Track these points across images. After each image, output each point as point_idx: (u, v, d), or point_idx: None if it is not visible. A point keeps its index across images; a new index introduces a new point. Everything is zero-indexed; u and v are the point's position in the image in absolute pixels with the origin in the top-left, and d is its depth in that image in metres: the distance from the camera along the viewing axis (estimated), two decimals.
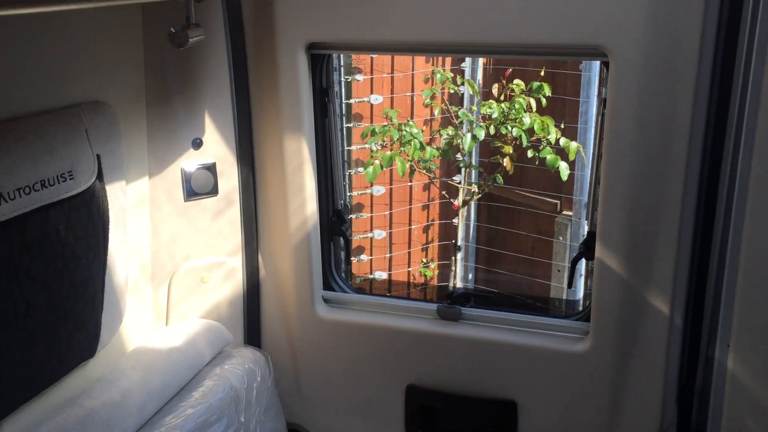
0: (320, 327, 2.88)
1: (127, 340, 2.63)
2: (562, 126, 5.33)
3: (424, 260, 6.62)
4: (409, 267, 6.65)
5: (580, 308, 5.64)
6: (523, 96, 5.25)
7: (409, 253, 6.63)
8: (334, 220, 2.93)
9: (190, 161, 2.72)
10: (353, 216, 6.25)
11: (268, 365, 2.85)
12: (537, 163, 5.30)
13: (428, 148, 5.30)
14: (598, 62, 5.11)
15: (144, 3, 2.41)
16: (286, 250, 2.85)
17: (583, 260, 2.74)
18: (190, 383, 2.57)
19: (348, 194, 6.12)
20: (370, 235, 6.40)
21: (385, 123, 5.58)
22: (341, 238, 2.99)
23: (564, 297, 5.81)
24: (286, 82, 2.64)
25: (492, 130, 5.30)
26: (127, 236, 2.47)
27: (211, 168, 2.76)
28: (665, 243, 2.40)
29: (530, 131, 5.20)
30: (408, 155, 5.36)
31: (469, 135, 5.26)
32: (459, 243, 6.26)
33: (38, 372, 2.12)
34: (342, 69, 5.63)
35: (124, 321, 2.53)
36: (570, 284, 2.76)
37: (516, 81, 5.34)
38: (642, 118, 2.31)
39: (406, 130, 5.26)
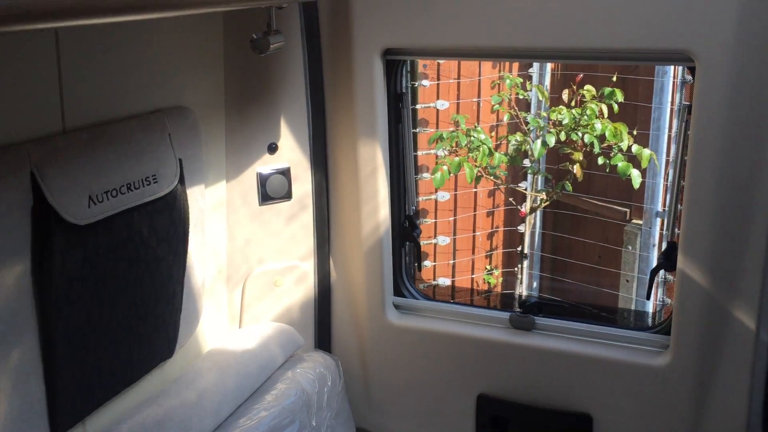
0: (391, 333, 2.87)
1: (203, 342, 2.68)
2: (634, 132, 5.20)
3: (488, 267, 6.55)
4: (472, 274, 6.59)
5: (651, 320, 5.49)
6: (595, 102, 5.14)
7: (472, 260, 6.57)
8: (406, 226, 2.92)
9: (266, 166, 2.75)
10: (418, 222, 6.23)
11: (339, 370, 2.86)
12: (608, 170, 5.18)
13: (497, 154, 5.24)
14: (671, 67, 4.98)
15: (225, 10, 2.45)
16: (357, 255, 2.86)
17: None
18: (262, 386, 2.59)
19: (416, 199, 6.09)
20: (434, 241, 6.37)
21: (452, 128, 5.54)
22: (412, 244, 2.99)
23: (633, 308, 5.67)
24: (361, 88, 2.65)
25: (563, 137, 5.21)
26: (206, 239, 2.52)
27: (286, 172, 2.79)
28: (752, 254, 2.31)
29: (601, 138, 5.09)
30: (476, 161, 5.31)
31: (539, 141, 5.18)
32: (525, 251, 6.17)
33: (120, 371, 2.18)
34: (409, 74, 5.63)
35: (200, 322, 2.58)
36: (648, 295, 2.68)
37: (587, 87, 5.23)
38: (730, 124, 2.22)
39: (474, 136, 5.22)
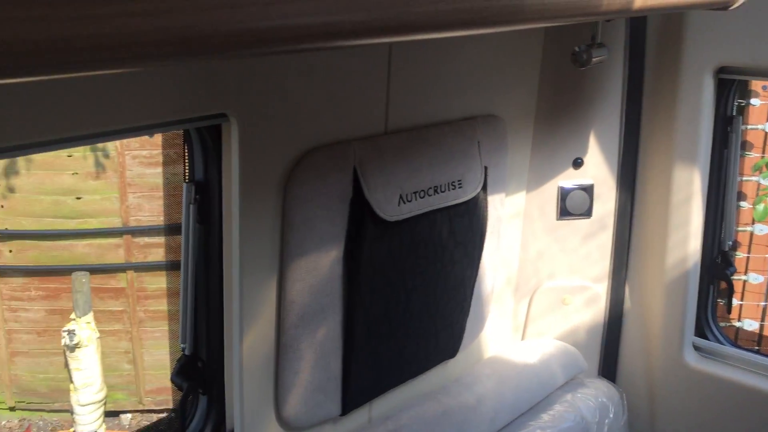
0: (687, 376, 2.62)
1: (485, 347, 2.70)
2: None
3: None
4: None
5: None
6: None
7: None
8: (719, 262, 2.64)
9: (568, 180, 2.68)
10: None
11: (623, 403, 2.69)
12: None
13: None
14: None
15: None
16: (657, 286, 2.65)
17: None
18: (540, 403, 2.54)
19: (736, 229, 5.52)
20: (743, 277, 5.72)
21: None
22: (723, 283, 2.69)
23: None
24: (685, 107, 2.45)
25: None
26: (499, 247, 2.53)
27: (588, 189, 2.69)
28: None
29: None
30: None
31: None
32: None
33: (407, 362, 2.28)
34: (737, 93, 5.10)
35: (484, 329, 2.61)
36: None
37: None
38: None
39: None
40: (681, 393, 2.65)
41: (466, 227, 2.29)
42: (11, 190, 6.31)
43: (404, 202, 2.05)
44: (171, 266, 6.43)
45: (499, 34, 2.35)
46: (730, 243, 2.65)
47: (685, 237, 2.54)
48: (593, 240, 2.74)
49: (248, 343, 1.90)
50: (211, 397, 2.05)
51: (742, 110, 5.34)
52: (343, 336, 2.04)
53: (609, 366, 2.82)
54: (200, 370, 2.03)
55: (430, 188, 2.13)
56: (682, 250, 2.55)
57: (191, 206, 1.89)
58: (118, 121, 1.52)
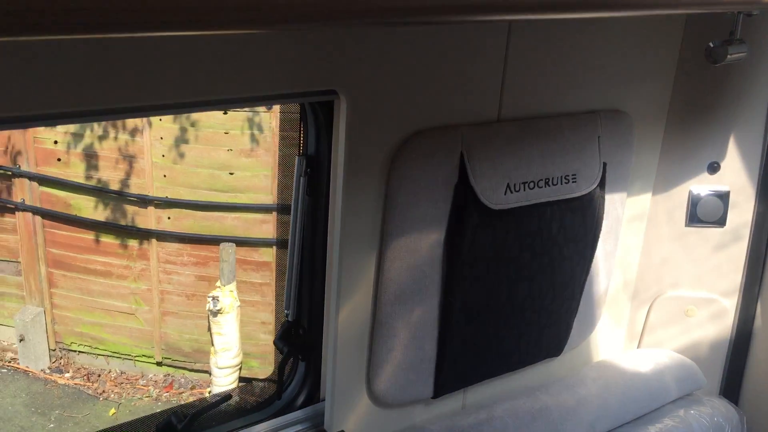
0: None
1: (595, 351, 2.61)
2: None
3: None
4: None
5: None
6: None
7: None
8: None
9: (701, 185, 2.52)
10: None
11: (742, 427, 2.50)
12: None
13: None
14: None
15: (690, 15, 2.30)
16: None
17: None
18: (648, 415, 2.42)
19: None
20: None
21: None
22: None
23: None
24: None
25: None
26: (617, 249, 2.43)
27: (724, 196, 2.52)
28: None
29: None
30: None
31: None
32: None
33: (506, 354, 2.26)
34: None
35: (595, 332, 2.52)
36: None
37: None
38: None
39: None
40: None
41: (578, 223, 2.23)
42: (177, 160, 6.83)
43: (511, 192, 2.03)
44: None
45: (632, 26, 2.25)
46: None
47: None
48: (725, 251, 2.56)
49: (345, 316, 1.97)
50: (309, 365, 2.14)
51: None
52: (439, 319, 2.06)
53: (731, 386, 2.63)
54: (301, 336, 2.13)
55: (541, 180, 2.09)
56: None
57: (302, 179, 1.98)
58: (237, 90, 1.63)
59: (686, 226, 2.56)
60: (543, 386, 2.37)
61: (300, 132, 2.00)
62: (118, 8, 0.75)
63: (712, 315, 2.61)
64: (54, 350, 7.55)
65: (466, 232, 1.98)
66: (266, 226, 6.87)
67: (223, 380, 6.79)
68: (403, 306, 1.99)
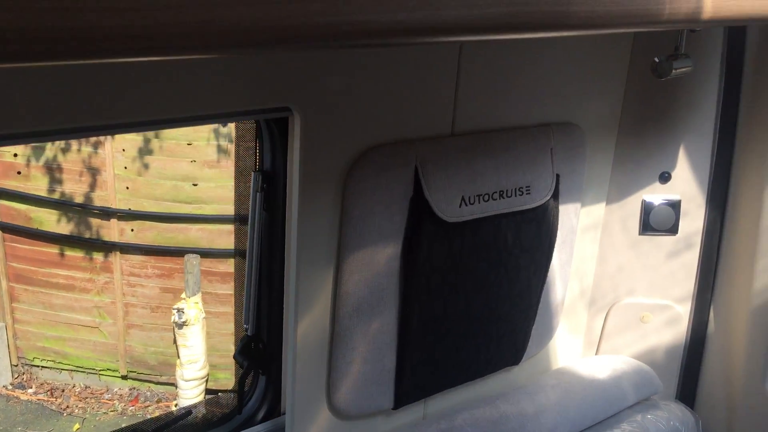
0: (766, 407, 2.47)
1: (554, 359, 2.66)
2: None
3: None
4: None
5: None
6: None
7: None
8: None
9: (654, 195, 2.59)
10: None
11: (698, 429, 2.57)
12: None
13: None
14: None
15: (637, 32, 2.36)
16: (743, 311, 2.51)
17: None
18: (606, 421, 2.47)
19: None
20: None
21: None
22: None
23: None
24: None
25: None
26: (572, 258, 2.48)
27: (675, 205, 2.59)
28: None
29: None
30: None
31: None
32: None
33: (466, 364, 2.29)
34: None
35: (553, 339, 2.57)
36: None
37: None
38: None
39: None
40: (762, 425, 2.49)
41: (533, 234, 2.27)
42: (141, 171, 6.78)
43: (466, 204, 2.06)
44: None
45: (583, 43, 2.31)
46: None
47: None
48: (678, 258, 2.63)
49: (303, 329, 1.98)
50: (269, 379, 2.15)
51: None
52: (398, 331, 2.08)
53: (687, 390, 2.70)
54: (261, 351, 2.14)
55: (495, 192, 2.13)
56: None
57: (258, 194, 1.99)
58: (191, 108, 1.64)
59: (640, 234, 2.62)
60: (503, 395, 2.40)
61: (256, 148, 2.01)
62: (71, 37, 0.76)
63: (667, 321, 2.67)
64: (16, 366, 7.42)
65: (422, 245, 2.01)
66: (231, 237, 6.85)
67: (190, 393, 6.74)
68: (362, 319, 2.01)
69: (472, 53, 2.03)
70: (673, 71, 2.08)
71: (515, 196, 2.17)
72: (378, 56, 1.85)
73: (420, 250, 2.01)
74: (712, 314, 2.64)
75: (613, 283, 2.68)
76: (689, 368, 2.69)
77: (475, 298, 2.20)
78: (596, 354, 2.75)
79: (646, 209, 2.60)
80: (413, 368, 2.15)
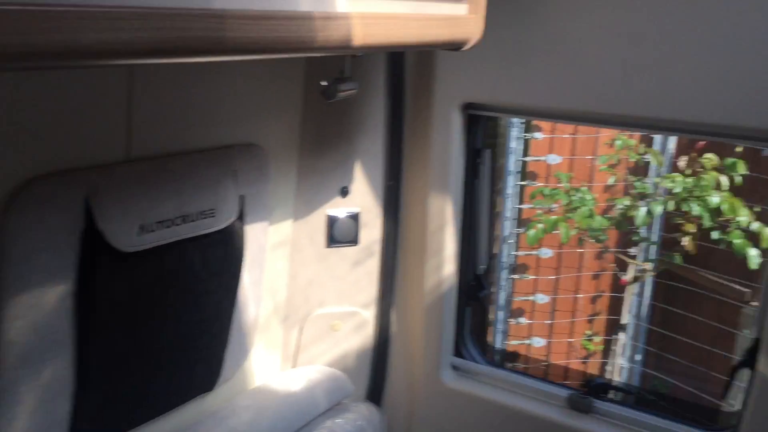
0: (444, 395, 2.75)
1: (251, 379, 2.67)
2: (758, 209, 4.80)
3: (588, 332, 6.23)
4: (571, 338, 6.29)
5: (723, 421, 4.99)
6: (713, 172, 4.80)
7: (572, 322, 6.27)
8: (473, 285, 2.81)
9: (337, 209, 2.74)
10: (516, 277, 6.05)
11: (383, 425, 2.76)
12: (724, 246, 4.81)
13: (597, 217, 4.99)
14: None
15: (309, 57, 2.47)
16: (419, 310, 2.77)
17: None
18: (299, 431, 2.54)
19: (513, 253, 5.94)
20: (531, 298, 6.15)
21: (557, 185, 5.36)
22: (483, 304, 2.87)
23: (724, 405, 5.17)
24: (438, 140, 2.59)
25: (671, 206, 4.89)
26: (263, 277, 2.52)
27: (356, 217, 2.76)
28: None
29: (718, 211, 4.74)
30: (575, 221, 5.09)
31: (644, 209, 4.89)
32: (624, 321, 5.81)
33: (156, 397, 2.20)
34: (521, 126, 5.53)
35: (249, 359, 2.57)
36: (724, 395, 2.38)
37: (708, 155, 4.90)
38: None
39: (576, 196, 5.00)
40: (439, 412, 2.77)
41: (221, 257, 2.26)
42: None
43: (146, 233, 1.98)
44: None
45: (258, 65, 2.36)
46: (483, 267, 2.83)
47: (441, 263, 2.67)
48: (361, 267, 2.81)
49: None
50: None
51: (527, 143, 5.77)
52: (74, 375, 1.92)
53: (375, 390, 2.89)
54: None
55: (178, 217, 2.07)
56: (438, 275, 2.69)
57: None
58: None
59: (327, 247, 2.75)
60: (195, 424, 2.34)
61: None
62: None
63: (355, 326, 2.84)
64: None
65: (97, 280, 1.88)
66: None
67: None
68: (31, 368, 1.81)
69: (144, 76, 1.96)
70: (339, 93, 2.21)
71: (199, 219, 2.13)
72: (40, 78, 1.70)
73: (95, 286, 1.88)
74: (394, 316, 2.87)
75: (304, 296, 2.78)
76: (377, 368, 2.89)
77: (162, 329, 2.12)
78: (294, 367, 2.82)
79: (331, 222, 2.73)
80: (92, 413, 2.00)
